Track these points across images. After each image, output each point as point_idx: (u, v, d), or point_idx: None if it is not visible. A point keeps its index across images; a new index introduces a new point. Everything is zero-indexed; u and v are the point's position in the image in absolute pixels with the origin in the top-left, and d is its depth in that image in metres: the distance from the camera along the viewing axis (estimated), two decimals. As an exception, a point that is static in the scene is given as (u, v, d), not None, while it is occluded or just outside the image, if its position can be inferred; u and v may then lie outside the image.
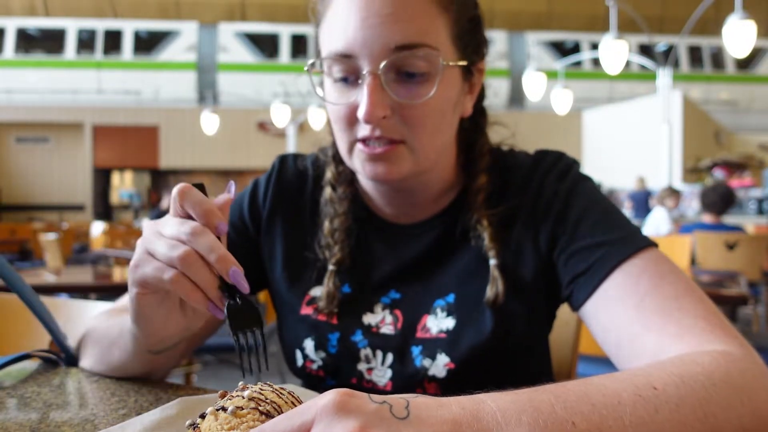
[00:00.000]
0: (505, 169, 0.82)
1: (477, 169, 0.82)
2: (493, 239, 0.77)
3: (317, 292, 0.82)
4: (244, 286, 0.56)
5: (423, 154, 0.74)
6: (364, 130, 0.72)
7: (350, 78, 0.72)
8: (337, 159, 0.85)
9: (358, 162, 0.74)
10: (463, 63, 0.75)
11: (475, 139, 0.84)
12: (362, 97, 0.69)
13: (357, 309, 0.81)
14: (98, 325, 0.78)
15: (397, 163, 0.73)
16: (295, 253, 0.85)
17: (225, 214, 0.60)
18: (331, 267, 0.81)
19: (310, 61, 0.76)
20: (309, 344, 0.81)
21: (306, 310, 0.82)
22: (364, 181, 0.83)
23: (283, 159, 0.91)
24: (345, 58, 0.70)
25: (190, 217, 0.58)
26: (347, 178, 0.85)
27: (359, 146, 0.73)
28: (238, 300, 0.56)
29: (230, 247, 0.86)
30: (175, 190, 0.58)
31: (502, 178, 0.81)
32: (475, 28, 0.77)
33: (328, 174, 0.86)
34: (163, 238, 0.57)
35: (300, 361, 0.82)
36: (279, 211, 0.87)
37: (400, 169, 0.73)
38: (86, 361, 0.78)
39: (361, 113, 0.69)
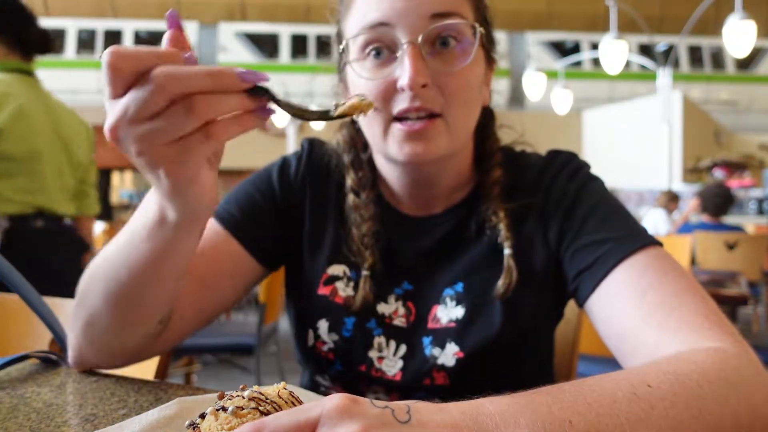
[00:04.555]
0: (518, 168, 0.84)
1: (491, 163, 0.84)
2: (510, 229, 0.79)
3: (334, 270, 0.84)
4: (260, 77, 0.49)
5: (457, 131, 0.75)
6: (403, 102, 0.72)
7: (385, 52, 0.73)
8: (356, 165, 0.87)
9: (393, 144, 0.75)
10: (490, 40, 0.79)
11: (486, 135, 0.87)
12: (404, 66, 0.70)
13: (372, 298, 0.82)
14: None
15: (434, 140, 0.74)
16: (318, 234, 0.87)
17: (184, 44, 0.49)
18: (365, 272, 0.82)
19: (342, 44, 0.77)
20: (323, 325, 0.82)
21: (323, 290, 0.83)
22: (387, 172, 0.84)
23: (311, 142, 0.93)
24: (381, 27, 0.71)
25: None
26: (368, 182, 0.86)
27: (396, 126, 0.74)
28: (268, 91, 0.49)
29: (257, 211, 0.86)
30: (106, 58, 0.45)
31: (515, 176, 0.83)
32: (489, 19, 0.81)
33: (349, 181, 0.87)
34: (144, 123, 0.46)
35: (311, 341, 0.83)
36: (308, 190, 0.88)
37: (437, 147, 0.74)
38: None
39: (403, 81, 0.70)
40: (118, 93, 0.46)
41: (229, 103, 0.48)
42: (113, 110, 0.47)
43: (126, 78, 0.46)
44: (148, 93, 0.45)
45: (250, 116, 0.50)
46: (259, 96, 0.49)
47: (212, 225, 0.85)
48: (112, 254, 0.65)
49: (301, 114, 0.51)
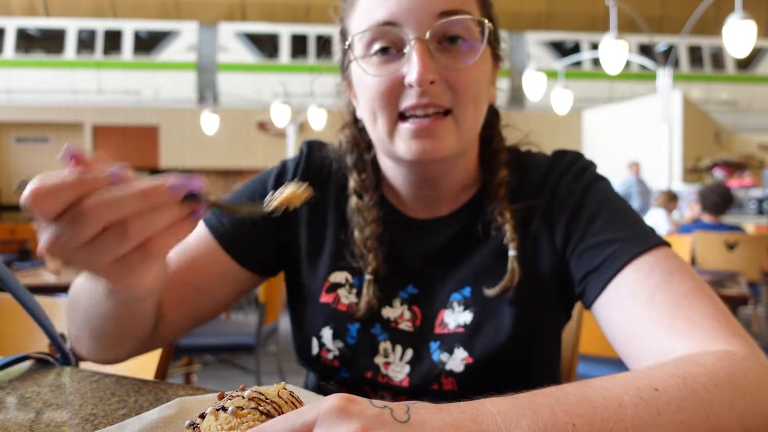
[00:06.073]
0: (524, 168, 0.84)
1: (497, 163, 0.84)
2: (515, 230, 0.78)
3: (336, 278, 0.83)
4: (192, 183, 0.47)
5: (466, 128, 0.75)
6: (410, 99, 0.72)
7: (392, 49, 0.73)
8: (359, 166, 0.86)
9: (401, 143, 0.74)
10: (496, 37, 0.79)
11: (492, 134, 0.86)
12: (411, 62, 0.70)
13: (376, 302, 0.81)
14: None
15: (443, 138, 0.73)
16: (317, 241, 0.86)
17: (103, 162, 0.46)
18: (368, 276, 0.81)
19: (348, 41, 0.77)
20: (327, 333, 0.81)
21: (325, 298, 0.83)
22: (392, 173, 0.83)
23: (310, 145, 0.91)
24: (388, 26, 0.71)
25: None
26: (372, 184, 0.85)
27: (404, 125, 0.73)
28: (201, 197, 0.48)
29: (250, 220, 0.85)
30: (26, 200, 0.43)
31: (521, 176, 0.83)
32: (494, 17, 0.81)
33: (352, 183, 0.86)
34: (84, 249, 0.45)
35: (315, 350, 0.82)
36: None
37: (446, 144, 0.74)
38: (73, 329, 0.77)
39: (411, 78, 0.70)
40: (48, 222, 0.45)
41: (162, 219, 0.47)
42: (46, 233, 0.45)
43: (51, 214, 0.44)
44: (78, 225, 0.44)
45: (184, 223, 0.49)
46: (191, 200, 0.48)
47: (202, 233, 0.83)
48: (85, 296, 0.68)
49: (233, 212, 0.51)
